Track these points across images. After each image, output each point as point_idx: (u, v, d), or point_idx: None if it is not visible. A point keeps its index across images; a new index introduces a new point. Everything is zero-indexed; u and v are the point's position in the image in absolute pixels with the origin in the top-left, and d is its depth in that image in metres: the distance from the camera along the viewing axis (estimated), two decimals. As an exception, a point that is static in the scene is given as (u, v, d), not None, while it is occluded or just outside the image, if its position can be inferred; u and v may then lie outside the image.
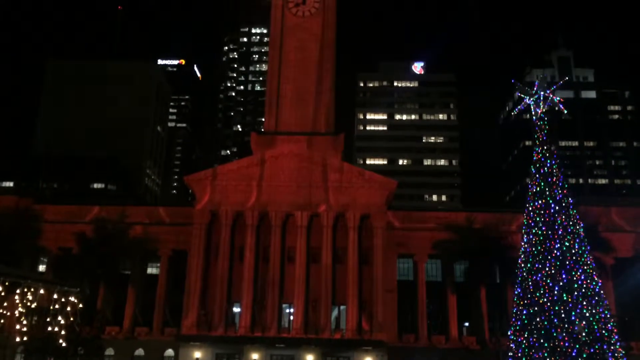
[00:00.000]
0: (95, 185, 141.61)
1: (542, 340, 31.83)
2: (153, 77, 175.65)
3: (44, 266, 70.75)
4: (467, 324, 67.65)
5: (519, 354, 33.06)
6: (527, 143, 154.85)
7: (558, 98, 38.89)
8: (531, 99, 38.35)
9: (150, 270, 71.36)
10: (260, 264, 66.81)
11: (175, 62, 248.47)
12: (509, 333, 35.16)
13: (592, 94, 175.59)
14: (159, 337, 65.81)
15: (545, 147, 36.89)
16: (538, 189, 35.92)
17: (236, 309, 66.07)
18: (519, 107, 41.38)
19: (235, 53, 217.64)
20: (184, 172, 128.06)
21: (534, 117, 38.38)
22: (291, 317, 65.13)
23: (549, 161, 36.37)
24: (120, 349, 64.64)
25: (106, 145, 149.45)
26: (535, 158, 36.99)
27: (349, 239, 65.99)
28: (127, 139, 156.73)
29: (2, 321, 26.82)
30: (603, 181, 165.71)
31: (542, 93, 38.07)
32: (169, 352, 65.55)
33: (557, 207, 34.79)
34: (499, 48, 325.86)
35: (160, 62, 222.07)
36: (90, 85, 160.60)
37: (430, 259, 69.03)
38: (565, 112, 40.68)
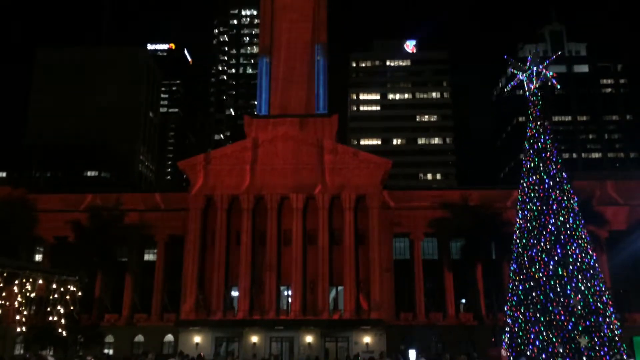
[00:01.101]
0: (89, 173, 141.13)
1: (538, 315, 32.16)
2: (143, 62, 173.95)
3: (41, 256, 70.70)
4: (464, 300, 68.30)
5: (516, 329, 33.43)
6: (520, 119, 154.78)
7: (551, 73, 38.74)
8: (524, 75, 38.19)
9: (147, 257, 71.44)
10: (257, 248, 66.94)
11: (165, 46, 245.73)
12: (505, 308, 35.51)
13: (584, 68, 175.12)
14: (158, 323, 66.15)
15: (538, 123, 36.84)
16: (532, 164, 35.97)
17: (234, 293, 66.39)
18: (512, 83, 41.28)
19: (225, 36, 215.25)
20: (178, 158, 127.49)
21: (527, 93, 38.24)
22: (289, 299, 65.53)
23: (542, 137, 36.35)
24: (119, 335, 64.95)
25: (98, 132, 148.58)
26: (529, 134, 36.97)
27: (345, 219, 66.14)
28: (119, 126, 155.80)
29: (1, 312, 26.83)
30: (597, 155, 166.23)
31: (534, 68, 37.90)
32: (169, 337, 65.98)
33: (551, 183, 34.88)
34: (491, 24, 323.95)
35: (149, 47, 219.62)
36: (80, 72, 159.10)
37: (426, 237, 69.34)
38: (559, 87, 40.59)
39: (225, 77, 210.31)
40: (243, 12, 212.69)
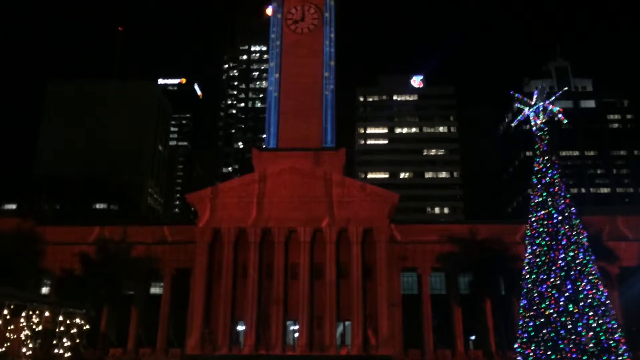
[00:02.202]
0: (97, 206, 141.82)
1: (549, 352, 31.54)
2: (154, 96, 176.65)
3: (47, 288, 70.53)
4: (473, 337, 67.13)
5: (527, 367, 32.79)
6: (527, 153, 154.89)
7: (557, 108, 39.00)
8: (530, 110, 38.44)
9: (153, 290, 71.10)
10: (264, 281, 66.57)
11: (176, 81, 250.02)
12: (515, 346, 34.84)
13: (591, 104, 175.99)
14: (163, 358, 65.27)
15: (546, 158, 36.87)
16: (540, 199, 35.85)
17: (240, 327, 65.69)
18: (518, 118, 41.50)
19: (235, 71, 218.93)
20: (186, 190, 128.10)
21: (533, 128, 38.42)
22: (296, 335, 64.72)
23: (550, 171, 36.33)
24: (124, 370, 64.07)
25: (107, 165, 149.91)
26: (536, 168, 36.96)
27: (352, 253, 65.80)
28: (128, 158, 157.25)
29: (8, 344, 26.67)
30: (605, 190, 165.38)
31: (540, 103, 38.19)
32: (174, 372, 65.04)
33: (559, 217, 34.68)
34: (497, 60, 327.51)
35: (160, 81, 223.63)
36: (91, 105, 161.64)
37: (434, 272, 68.70)
38: (565, 121, 40.75)
39: (234, 111, 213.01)
40: (252, 48, 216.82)
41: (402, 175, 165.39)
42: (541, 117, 38.17)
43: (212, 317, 64.84)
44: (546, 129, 38.02)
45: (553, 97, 39.36)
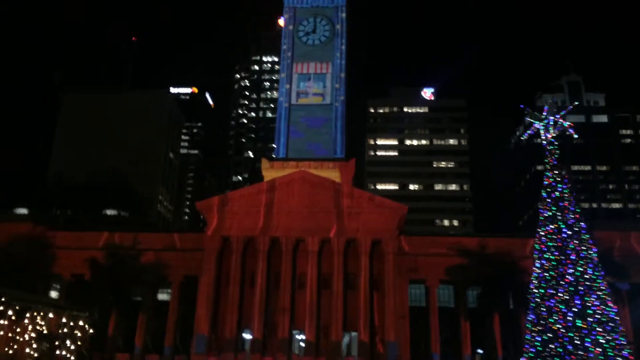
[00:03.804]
0: (108, 212, 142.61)
1: (556, 368, 31.35)
2: (166, 105, 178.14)
3: (57, 293, 71.02)
4: (480, 350, 66.53)
5: (533, 382, 32.54)
6: (538, 167, 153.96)
7: (568, 123, 39.01)
8: (540, 124, 38.52)
9: (161, 297, 71.32)
10: (271, 290, 66.61)
11: (188, 90, 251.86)
12: (522, 360, 34.66)
13: (603, 118, 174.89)
14: (169, 365, 65.32)
15: (556, 172, 36.89)
16: (549, 213, 35.80)
17: (247, 335, 65.66)
18: (528, 132, 41.57)
19: (246, 81, 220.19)
20: (196, 199, 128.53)
21: (543, 142, 38.41)
22: (302, 344, 64.54)
23: (560, 186, 36.32)
24: (130, 376, 64.18)
25: (119, 172, 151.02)
26: (546, 182, 36.97)
27: (360, 264, 65.69)
28: (140, 166, 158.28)
29: (15, 346, 26.93)
30: (617, 205, 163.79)
31: (551, 118, 38.24)
32: (180, 379, 65.04)
33: (569, 232, 34.60)
34: (510, 73, 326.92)
35: (172, 90, 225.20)
36: (104, 114, 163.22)
37: (442, 284, 68.34)
38: (576, 136, 40.84)
39: (245, 121, 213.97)
40: (264, 59, 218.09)
41: (411, 187, 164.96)
42: (551, 131, 38.21)
43: (219, 325, 64.90)
44: (556, 143, 38.05)
45: (564, 112, 39.45)
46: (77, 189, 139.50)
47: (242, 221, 67.62)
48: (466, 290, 67.52)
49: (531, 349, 33.51)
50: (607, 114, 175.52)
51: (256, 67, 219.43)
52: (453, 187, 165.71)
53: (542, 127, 38.36)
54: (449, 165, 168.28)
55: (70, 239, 71.39)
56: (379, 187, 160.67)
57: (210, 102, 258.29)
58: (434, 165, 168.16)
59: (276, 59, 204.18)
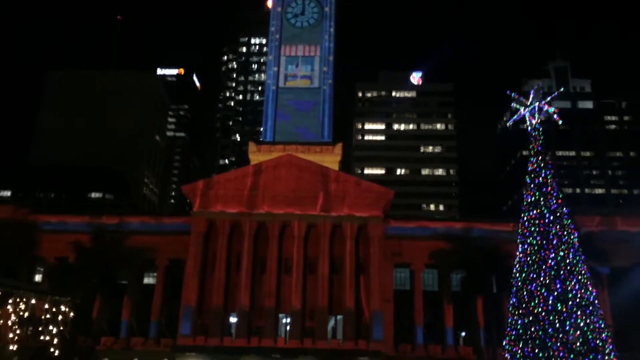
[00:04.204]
0: (93, 195, 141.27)
1: (536, 351, 31.85)
2: (152, 86, 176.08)
3: (40, 276, 70.54)
4: (463, 333, 67.51)
5: (514, 364, 33.06)
6: (524, 153, 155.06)
7: (552, 109, 39.11)
8: (526, 110, 38.62)
9: (146, 280, 71.19)
10: (257, 274, 66.77)
11: (174, 71, 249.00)
12: (504, 343, 35.15)
13: (589, 104, 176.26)
14: (155, 348, 65.39)
15: (540, 158, 37.10)
16: (533, 199, 36.11)
17: (233, 319, 65.93)
18: (514, 117, 41.68)
19: (234, 63, 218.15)
20: (183, 182, 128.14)
21: (528, 128, 38.58)
22: (288, 327, 64.98)
23: (543, 171, 36.57)
24: (115, 359, 64.23)
25: (104, 154, 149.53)
26: (530, 168, 37.22)
27: (346, 248, 66.01)
28: (125, 148, 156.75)
29: (-3, 330, 26.85)
30: (600, 191, 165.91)
31: (536, 104, 38.34)
32: (165, 362, 65.22)
33: (551, 217, 34.94)
34: (497, 58, 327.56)
35: (159, 71, 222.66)
36: (88, 94, 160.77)
37: (427, 268, 68.97)
38: (560, 122, 40.92)
39: (232, 103, 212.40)
40: (252, 40, 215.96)
41: (398, 171, 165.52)
42: (536, 117, 38.35)
43: (204, 308, 65.01)
44: (541, 129, 38.23)
45: (549, 98, 39.57)
46: (60, 171, 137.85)
47: (228, 204, 67.44)
48: (450, 274, 68.22)
49: (513, 332, 34.00)
50: (593, 100, 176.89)
51: (244, 49, 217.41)
52: (440, 171, 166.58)
53: (527, 113, 38.49)
54: (436, 150, 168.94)
55: (55, 222, 70.75)
56: (366, 171, 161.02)
57: (197, 84, 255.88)
58: (421, 150, 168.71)
59: (264, 41, 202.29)
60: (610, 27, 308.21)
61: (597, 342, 31.73)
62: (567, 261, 33.64)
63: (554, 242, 34.22)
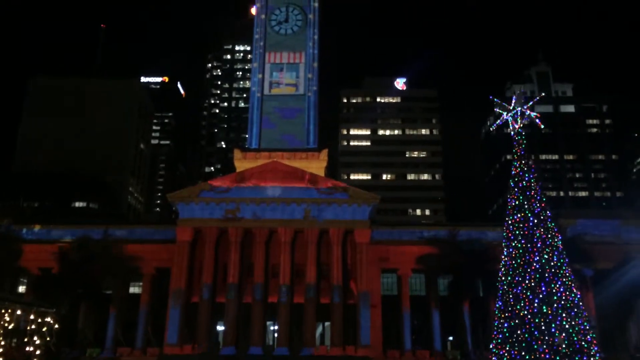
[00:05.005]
0: (77, 204, 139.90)
1: (523, 353, 32.06)
2: (136, 94, 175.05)
3: (24, 287, 69.55)
4: (451, 337, 67.78)
5: (501, 367, 33.26)
6: (508, 157, 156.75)
7: (535, 113, 39.60)
8: (509, 115, 39.03)
9: (132, 290, 70.52)
10: (244, 281, 66.46)
11: (159, 79, 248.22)
12: (491, 346, 35.37)
13: (571, 108, 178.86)
14: (141, 358, 64.79)
15: (523, 162, 37.46)
16: (517, 202, 36.43)
17: (220, 327, 65.49)
18: (497, 122, 42.17)
19: (218, 70, 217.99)
20: (168, 190, 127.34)
21: (511, 132, 39.02)
22: (275, 334, 64.73)
23: (527, 175, 36.92)
24: (102, 370, 63.47)
25: (88, 163, 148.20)
26: (513, 172, 37.57)
27: (333, 254, 66.04)
28: (110, 157, 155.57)
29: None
30: (583, 194, 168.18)
31: (519, 108, 38.78)
32: (152, 372, 64.62)
33: (535, 221, 35.27)
34: (481, 64, 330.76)
35: (143, 79, 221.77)
36: (72, 102, 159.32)
37: (414, 273, 69.23)
38: (543, 126, 41.47)
39: (217, 111, 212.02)
40: (236, 47, 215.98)
41: (384, 177, 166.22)
42: (519, 121, 38.80)
43: (191, 316, 64.54)
44: (524, 133, 38.67)
45: (531, 102, 40.03)
46: (44, 179, 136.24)
47: (214, 212, 67.18)
48: (437, 278, 68.53)
49: (499, 335, 34.19)
50: (574, 104, 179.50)
51: (228, 56, 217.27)
52: (425, 176, 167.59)
53: (510, 118, 38.91)
54: (422, 155, 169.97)
55: (39, 232, 69.90)
56: (352, 177, 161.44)
57: (182, 91, 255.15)
58: (407, 155, 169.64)
59: (249, 48, 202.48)
60: (591, 32, 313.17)
61: (582, 343, 32.03)
62: (552, 264, 33.94)
63: (539, 245, 34.53)
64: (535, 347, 31.73)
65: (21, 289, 69.81)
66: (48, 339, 28.21)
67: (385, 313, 66.72)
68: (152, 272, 68.63)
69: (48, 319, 28.01)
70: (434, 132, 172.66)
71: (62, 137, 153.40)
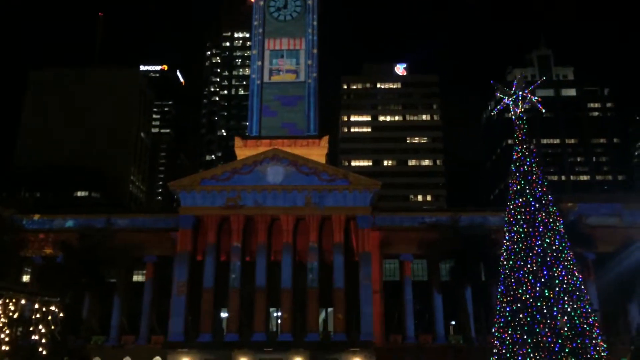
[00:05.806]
0: (79, 194, 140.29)
1: (525, 337, 32.24)
2: (135, 83, 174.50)
3: (28, 277, 70.02)
4: (453, 322, 68.20)
5: (503, 351, 33.43)
6: (509, 142, 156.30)
7: (536, 97, 39.42)
8: (509, 99, 38.86)
9: (136, 278, 70.97)
10: (247, 268, 66.74)
11: (158, 67, 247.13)
12: (493, 330, 35.58)
13: (572, 92, 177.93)
14: (146, 345, 65.39)
15: (524, 146, 37.37)
16: (518, 187, 36.41)
17: (223, 314, 65.93)
18: (498, 107, 42.00)
19: (218, 58, 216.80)
20: (169, 178, 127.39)
21: (512, 117, 38.89)
22: (279, 321, 65.16)
23: (528, 159, 36.85)
24: (107, 358, 64.09)
25: (89, 152, 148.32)
26: (515, 157, 37.51)
27: (335, 241, 66.21)
28: (111, 146, 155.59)
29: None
30: (585, 177, 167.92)
31: (520, 93, 38.60)
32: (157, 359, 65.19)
33: (537, 205, 35.27)
34: (481, 48, 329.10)
35: (142, 68, 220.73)
36: (72, 92, 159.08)
37: (416, 259, 69.45)
38: (544, 110, 41.28)
39: (217, 99, 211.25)
40: (236, 35, 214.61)
41: (385, 163, 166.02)
42: (520, 106, 38.64)
43: (195, 304, 64.94)
44: (525, 117, 38.53)
45: (532, 87, 39.83)
46: (46, 170, 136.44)
47: (216, 200, 67.32)
48: (439, 263, 68.77)
49: (501, 319, 34.35)
50: (576, 87, 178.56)
51: (227, 44, 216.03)
52: (426, 162, 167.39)
53: (511, 102, 38.73)
54: (422, 141, 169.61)
55: (42, 222, 70.23)
56: (353, 163, 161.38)
57: (182, 79, 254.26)
58: (408, 141, 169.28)
59: (248, 35, 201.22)
60: (592, 16, 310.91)
61: (584, 326, 32.18)
62: (554, 248, 34.00)
63: (540, 229, 34.56)
64: (537, 330, 31.88)
65: (25, 278, 70.29)
66: (53, 327, 28.52)
67: (388, 298, 67.09)
68: (155, 261, 68.96)
69: (53, 308, 28.31)
70: (435, 117, 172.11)
71: (62, 128, 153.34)
